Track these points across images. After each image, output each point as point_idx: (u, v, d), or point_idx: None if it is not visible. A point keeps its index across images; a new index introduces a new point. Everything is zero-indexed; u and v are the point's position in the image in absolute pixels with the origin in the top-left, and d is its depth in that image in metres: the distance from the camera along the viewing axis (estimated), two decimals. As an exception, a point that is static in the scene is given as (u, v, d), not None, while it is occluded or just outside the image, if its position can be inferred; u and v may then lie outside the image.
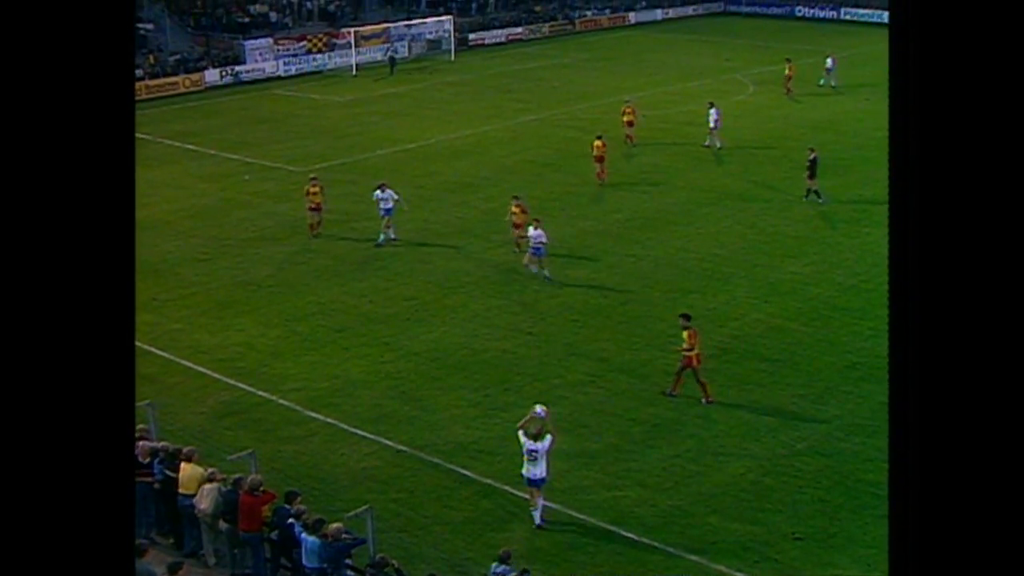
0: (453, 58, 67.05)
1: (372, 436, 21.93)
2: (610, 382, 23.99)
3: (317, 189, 33.74)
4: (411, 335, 26.78)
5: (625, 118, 44.24)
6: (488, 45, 71.87)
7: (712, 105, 43.74)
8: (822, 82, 55.30)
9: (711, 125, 43.55)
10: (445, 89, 58.52)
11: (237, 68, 61.41)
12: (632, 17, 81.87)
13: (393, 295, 29.21)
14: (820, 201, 36.16)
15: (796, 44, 64.36)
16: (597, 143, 38.87)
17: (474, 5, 78.64)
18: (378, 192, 33.13)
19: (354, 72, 62.83)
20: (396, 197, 33.03)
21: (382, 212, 32.95)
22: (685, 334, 22.97)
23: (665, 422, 22.30)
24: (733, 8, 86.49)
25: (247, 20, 67.82)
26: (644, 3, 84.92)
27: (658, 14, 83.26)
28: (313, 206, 33.64)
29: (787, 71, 54.17)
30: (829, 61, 55.64)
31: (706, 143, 43.87)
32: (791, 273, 30.50)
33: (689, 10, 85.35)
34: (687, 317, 23.44)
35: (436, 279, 30.37)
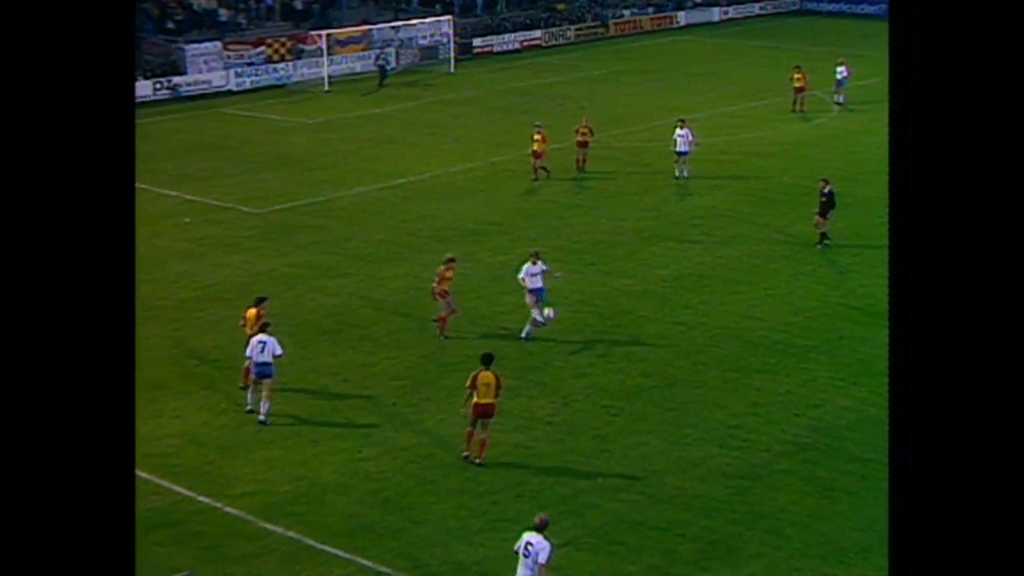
0: (453, 69, 67.80)
1: (345, 555, 21.99)
2: (652, 486, 24.05)
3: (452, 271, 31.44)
4: (398, 425, 26.92)
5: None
6: (497, 53, 72.67)
7: (683, 124, 44.88)
8: (833, 98, 56.06)
9: (680, 149, 44.61)
10: (443, 109, 59.10)
11: (175, 80, 62.17)
12: (682, 18, 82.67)
13: (375, 373, 29.37)
14: (820, 245, 37.24)
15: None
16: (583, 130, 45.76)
17: (480, 2, 79.26)
18: (529, 265, 31.09)
19: (326, 87, 63.52)
20: (546, 268, 31.08)
21: (532, 289, 30.84)
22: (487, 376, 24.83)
23: (723, 538, 22.34)
24: (811, 6, 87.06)
25: (189, 19, 68.41)
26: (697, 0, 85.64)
27: (715, 14, 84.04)
28: (441, 291, 31.25)
29: (797, 82, 54.84)
30: (841, 70, 56.04)
31: (676, 175, 45.00)
32: (886, 348, 30.57)
33: (755, 8, 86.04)
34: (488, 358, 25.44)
35: (430, 353, 30.54)
